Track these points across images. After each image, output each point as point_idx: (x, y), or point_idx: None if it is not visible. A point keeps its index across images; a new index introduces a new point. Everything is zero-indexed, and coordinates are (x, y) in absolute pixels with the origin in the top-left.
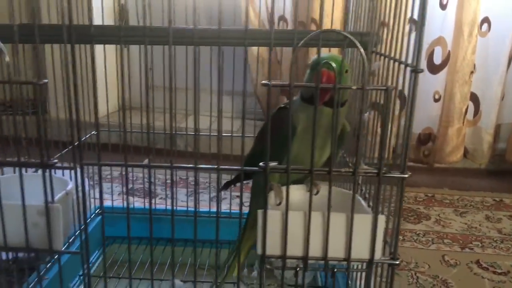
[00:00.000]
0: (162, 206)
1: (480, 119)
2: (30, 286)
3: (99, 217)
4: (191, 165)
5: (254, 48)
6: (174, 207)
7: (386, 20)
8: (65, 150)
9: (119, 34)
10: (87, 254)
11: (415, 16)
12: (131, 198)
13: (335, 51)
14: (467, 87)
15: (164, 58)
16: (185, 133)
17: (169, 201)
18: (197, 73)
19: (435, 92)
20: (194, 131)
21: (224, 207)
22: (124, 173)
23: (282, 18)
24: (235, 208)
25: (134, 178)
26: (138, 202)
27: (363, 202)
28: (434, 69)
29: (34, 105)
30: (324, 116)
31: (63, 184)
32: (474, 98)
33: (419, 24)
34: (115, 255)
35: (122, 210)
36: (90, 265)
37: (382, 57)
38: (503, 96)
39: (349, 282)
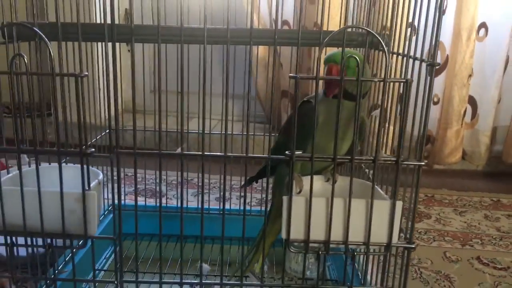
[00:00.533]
0: (173, 204)
1: (477, 121)
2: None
3: (111, 214)
4: (221, 154)
5: (259, 52)
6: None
7: (387, 24)
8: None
9: (156, 32)
10: (119, 239)
11: (416, 22)
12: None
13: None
14: (465, 90)
15: (165, 60)
16: (196, 131)
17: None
18: (205, 67)
19: (434, 95)
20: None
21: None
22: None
23: (285, 22)
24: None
25: (141, 179)
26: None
27: (380, 190)
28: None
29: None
30: (344, 108)
31: (94, 174)
32: (472, 101)
33: (435, 22)
34: (128, 251)
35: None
36: (104, 260)
37: (398, 56)
38: (499, 99)
39: (359, 274)
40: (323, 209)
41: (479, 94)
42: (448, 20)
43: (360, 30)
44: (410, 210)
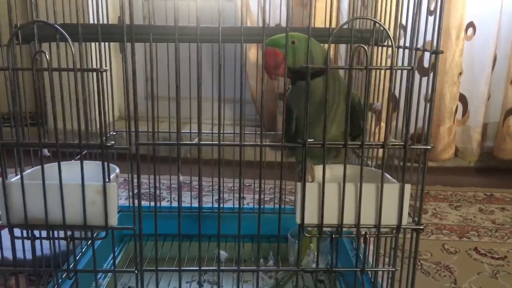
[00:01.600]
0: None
1: (468, 118)
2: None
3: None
4: (236, 143)
5: (253, 55)
6: (179, 204)
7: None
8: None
9: (174, 32)
10: (140, 228)
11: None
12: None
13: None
14: (456, 88)
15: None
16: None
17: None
18: (200, 68)
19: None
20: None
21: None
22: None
23: (278, 26)
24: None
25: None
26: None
27: (387, 175)
28: (424, 71)
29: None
30: (315, 88)
31: (110, 168)
32: (462, 98)
33: (438, 12)
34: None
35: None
36: (112, 259)
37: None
38: (489, 96)
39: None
40: (335, 194)
41: (469, 91)
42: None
43: (358, 26)
44: (418, 193)
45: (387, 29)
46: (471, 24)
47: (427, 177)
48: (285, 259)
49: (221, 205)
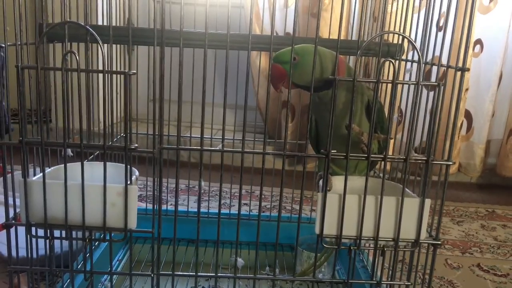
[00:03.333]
0: (183, 208)
1: (472, 134)
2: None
3: None
4: (259, 151)
5: (257, 62)
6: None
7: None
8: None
9: (204, 38)
10: (159, 232)
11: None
12: (139, 203)
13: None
14: (462, 103)
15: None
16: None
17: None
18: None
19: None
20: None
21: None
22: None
23: (288, 34)
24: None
25: (142, 186)
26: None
27: (407, 189)
28: (431, 86)
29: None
30: (329, 99)
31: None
32: (467, 114)
33: (467, 29)
34: (140, 254)
35: (142, 211)
36: (117, 263)
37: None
38: (493, 113)
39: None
40: (355, 206)
41: (474, 107)
42: (446, 37)
43: (376, 39)
44: (436, 208)
45: (415, 44)
46: (478, 41)
47: (432, 191)
48: (290, 268)
49: (239, 212)
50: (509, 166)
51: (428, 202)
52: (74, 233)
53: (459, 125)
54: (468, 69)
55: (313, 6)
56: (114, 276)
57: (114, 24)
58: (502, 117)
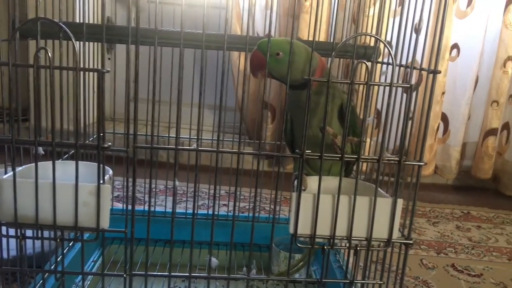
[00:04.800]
0: (160, 209)
1: (449, 137)
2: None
3: None
4: (235, 151)
5: (242, 64)
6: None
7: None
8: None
9: (180, 37)
10: (132, 232)
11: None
12: (117, 204)
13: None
14: (438, 107)
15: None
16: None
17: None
18: (181, 73)
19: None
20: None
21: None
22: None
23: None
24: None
25: (120, 186)
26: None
27: (379, 189)
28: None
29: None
30: (304, 97)
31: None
32: (444, 117)
33: (439, 32)
34: (115, 255)
35: (120, 211)
36: (92, 264)
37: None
38: (469, 116)
39: (348, 272)
40: (329, 206)
41: (450, 111)
42: (422, 40)
43: (351, 41)
44: (408, 208)
45: (389, 48)
46: (455, 46)
47: (406, 192)
48: (268, 268)
49: (213, 212)
50: (484, 168)
51: (400, 202)
52: (47, 233)
53: (435, 127)
54: (440, 72)
55: (294, 9)
56: (89, 277)
57: (92, 22)
58: (477, 120)
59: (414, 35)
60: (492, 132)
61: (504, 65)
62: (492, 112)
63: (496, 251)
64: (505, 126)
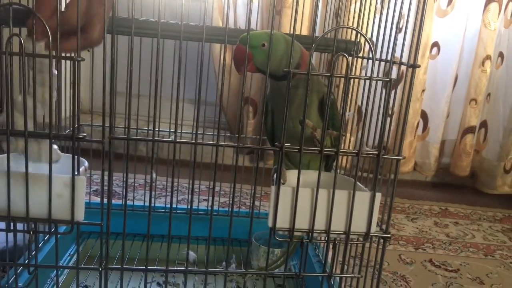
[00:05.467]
0: (140, 203)
1: (428, 134)
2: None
3: None
4: (214, 143)
5: (220, 57)
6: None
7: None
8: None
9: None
10: (108, 225)
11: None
12: (94, 198)
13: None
14: (418, 104)
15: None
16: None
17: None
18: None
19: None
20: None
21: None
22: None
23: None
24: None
25: (99, 180)
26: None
27: (359, 183)
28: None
29: None
30: (284, 88)
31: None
32: (423, 115)
33: (418, 27)
34: (92, 250)
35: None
36: (68, 258)
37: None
38: (448, 114)
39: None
40: (308, 200)
41: (430, 108)
42: (404, 38)
43: (331, 35)
44: (387, 202)
45: (369, 41)
46: (436, 44)
47: (384, 188)
48: (247, 263)
49: (191, 206)
50: (462, 166)
51: (378, 195)
52: (21, 226)
53: (415, 124)
54: (419, 66)
55: (277, 4)
56: (65, 272)
57: None
58: (456, 118)
59: (394, 32)
60: (470, 130)
61: (483, 64)
62: (470, 110)
63: (473, 247)
64: (483, 124)
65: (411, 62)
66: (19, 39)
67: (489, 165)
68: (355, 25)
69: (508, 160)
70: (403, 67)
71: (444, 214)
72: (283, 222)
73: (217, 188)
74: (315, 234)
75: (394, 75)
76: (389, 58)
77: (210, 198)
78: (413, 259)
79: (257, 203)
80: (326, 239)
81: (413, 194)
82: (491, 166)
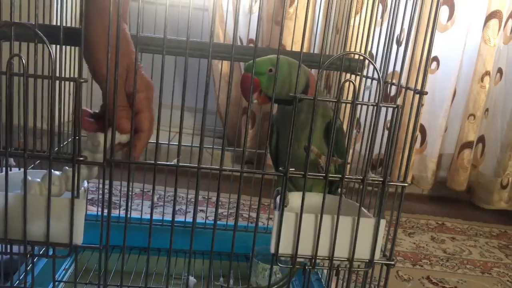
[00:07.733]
0: (137, 215)
1: (426, 148)
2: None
3: None
4: (216, 167)
5: (219, 66)
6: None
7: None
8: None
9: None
10: (106, 248)
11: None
12: (93, 207)
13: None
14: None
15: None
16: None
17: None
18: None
19: (388, 121)
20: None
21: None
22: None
23: (251, 41)
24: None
25: (94, 189)
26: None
27: (363, 208)
28: (389, 100)
29: None
30: (291, 112)
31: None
32: (421, 129)
33: (427, 54)
34: (88, 263)
35: (93, 217)
36: (63, 272)
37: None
38: (446, 128)
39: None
40: (311, 225)
41: (428, 122)
42: (401, 52)
43: (329, 52)
44: (390, 228)
45: (375, 66)
46: (435, 59)
47: (388, 207)
48: (245, 279)
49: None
50: (459, 180)
51: (383, 222)
52: (16, 247)
53: None
54: (427, 93)
55: (277, 14)
56: (61, 286)
57: (70, 25)
58: (454, 132)
59: (400, 48)
60: (468, 144)
61: (482, 79)
62: (468, 125)
63: (470, 263)
64: (481, 139)
65: (418, 86)
66: (21, 59)
67: (486, 180)
68: (358, 39)
69: (505, 176)
70: (402, 80)
71: (441, 229)
72: (285, 248)
73: (213, 198)
74: (318, 260)
75: (393, 90)
76: (391, 72)
77: (207, 209)
78: (411, 276)
79: (253, 215)
80: (329, 265)
81: (410, 207)
82: (488, 181)
